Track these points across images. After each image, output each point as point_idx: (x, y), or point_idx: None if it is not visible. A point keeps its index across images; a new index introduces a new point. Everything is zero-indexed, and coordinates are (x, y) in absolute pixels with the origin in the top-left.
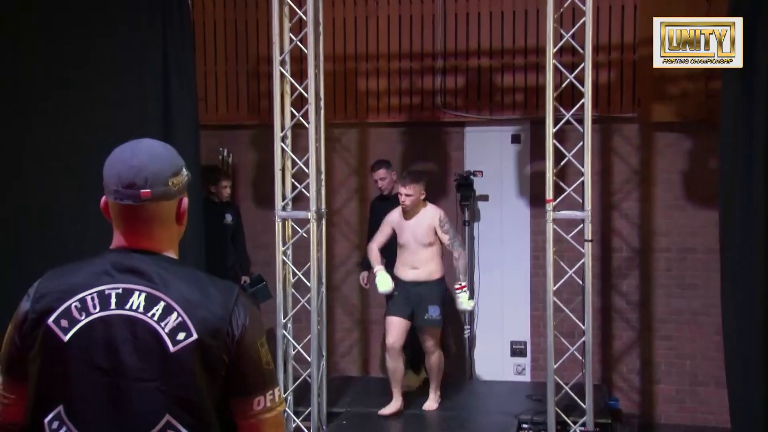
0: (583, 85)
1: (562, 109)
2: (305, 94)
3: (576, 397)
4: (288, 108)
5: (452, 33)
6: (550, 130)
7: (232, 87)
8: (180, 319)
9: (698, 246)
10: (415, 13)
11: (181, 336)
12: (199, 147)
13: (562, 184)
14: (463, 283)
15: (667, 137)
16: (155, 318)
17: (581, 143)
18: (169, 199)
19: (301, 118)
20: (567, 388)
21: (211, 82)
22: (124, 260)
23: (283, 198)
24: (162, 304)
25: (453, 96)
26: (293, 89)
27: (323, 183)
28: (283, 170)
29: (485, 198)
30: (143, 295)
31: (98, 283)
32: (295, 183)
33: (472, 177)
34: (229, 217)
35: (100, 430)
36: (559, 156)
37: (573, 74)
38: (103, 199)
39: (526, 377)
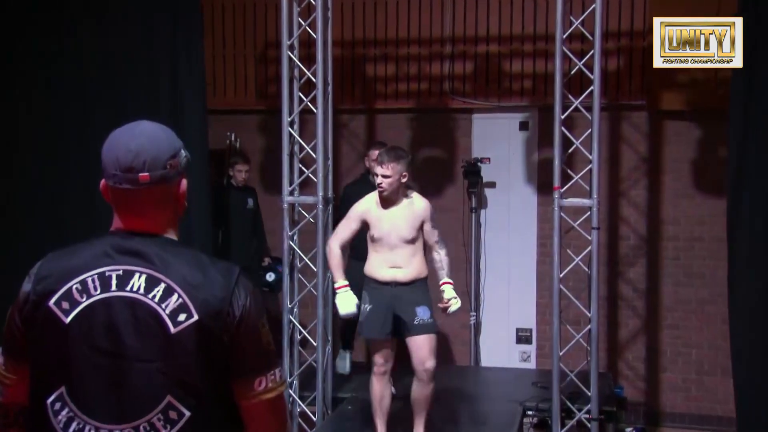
0: (592, 73)
1: (570, 96)
2: (314, 80)
3: (581, 385)
4: (296, 93)
5: (461, 19)
6: (558, 117)
7: (240, 72)
8: (181, 300)
9: (706, 235)
10: None
11: (181, 317)
12: (207, 132)
13: (569, 171)
14: (450, 280)
15: (676, 125)
16: (156, 299)
17: (589, 131)
18: (167, 182)
19: (309, 104)
20: (572, 375)
21: (219, 67)
22: (124, 242)
23: (291, 183)
24: (162, 285)
25: (461, 82)
26: (302, 74)
27: (330, 168)
28: (290, 155)
29: (492, 185)
30: (144, 276)
31: (99, 264)
32: (303, 168)
33: (479, 164)
34: (250, 201)
35: (102, 411)
36: (567, 143)
37: (582, 61)
38: (103, 181)
39: (532, 364)
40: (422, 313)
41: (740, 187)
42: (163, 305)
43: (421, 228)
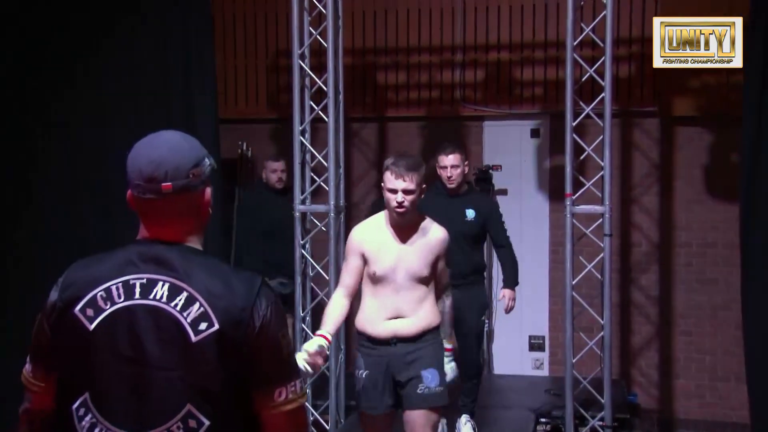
0: (603, 79)
1: (581, 103)
2: (325, 88)
3: (594, 392)
4: (307, 102)
5: (472, 26)
6: (569, 124)
7: (251, 81)
8: (202, 309)
9: (719, 241)
10: (435, 7)
11: (203, 326)
12: (219, 141)
13: (581, 178)
14: (449, 345)
15: (688, 131)
16: (178, 308)
17: (601, 137)
18: (191, 191)
19: (320, 112)
20: (585, 382)
21: (231, 76)
22: (148, 251)
23: (302, 192)
24: (185, 294)
25: (472, 90)
26: (313, 83)
27: (342, 177)
28: (302, 164)
29: (504, 192)
30: (167, 285)
31: (123, 273)
32: (314, 177)
33: (491, 171)
34: None
35: (123, 418)
36: (578, 150)
37: (593, 68)
38: (129, 191)
39: (545, 372)
40: (429, 380)
41: (753, 193)
42: (185, 314)
43: (435, 265)
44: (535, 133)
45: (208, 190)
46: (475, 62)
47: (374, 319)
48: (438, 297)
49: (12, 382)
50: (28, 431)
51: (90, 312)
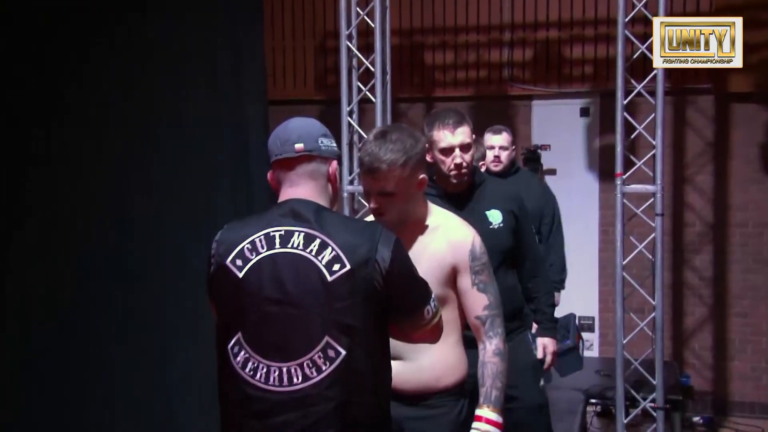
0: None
1: (633, 81)
2: (372, 69)
3: (646, 373)
4: (355, 83)
5: (520, 5)
6: (620, 102)
7: (299, 62)
8: (334, 252)
9: None
10: None
11: (336, 267)
12: (269, 123)
13: (632, 157)
14: (490, 415)
15: (744, 109)
16: (313, 253)
17: (653, 115)
18: (320, 157)
19: (368, 93)
20: (636, 363)
21: (279, 58)
22: (285, 208)
23: (350, 173)
24: (318, 240)
25: (521, 69)
26: (360, 64)
27: None
28: (350, 145)
29: (553, 172)
30: (302, 234)
31: (264, 227)
32: None
33: (539, 151)
34: None
35: (273, 352)
36: (629, 129)
37: (645, 45)
38: (269, 172)
39: (594, 353)
40: None
41: None
42: (320, 257)
43: (452, 283)
44: (584, 112)
45: (334, 164)
46: (523, 41)
47: None
48: (478, 339)
49: None
50: None
51: (239, 262)
